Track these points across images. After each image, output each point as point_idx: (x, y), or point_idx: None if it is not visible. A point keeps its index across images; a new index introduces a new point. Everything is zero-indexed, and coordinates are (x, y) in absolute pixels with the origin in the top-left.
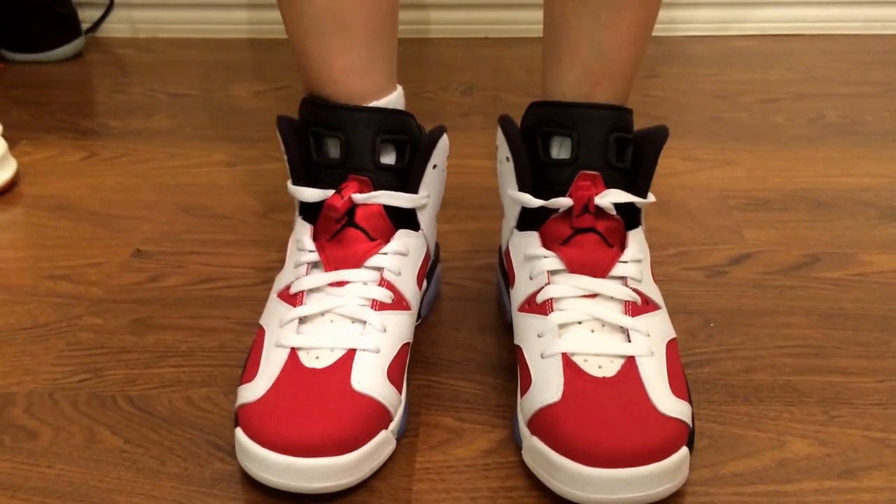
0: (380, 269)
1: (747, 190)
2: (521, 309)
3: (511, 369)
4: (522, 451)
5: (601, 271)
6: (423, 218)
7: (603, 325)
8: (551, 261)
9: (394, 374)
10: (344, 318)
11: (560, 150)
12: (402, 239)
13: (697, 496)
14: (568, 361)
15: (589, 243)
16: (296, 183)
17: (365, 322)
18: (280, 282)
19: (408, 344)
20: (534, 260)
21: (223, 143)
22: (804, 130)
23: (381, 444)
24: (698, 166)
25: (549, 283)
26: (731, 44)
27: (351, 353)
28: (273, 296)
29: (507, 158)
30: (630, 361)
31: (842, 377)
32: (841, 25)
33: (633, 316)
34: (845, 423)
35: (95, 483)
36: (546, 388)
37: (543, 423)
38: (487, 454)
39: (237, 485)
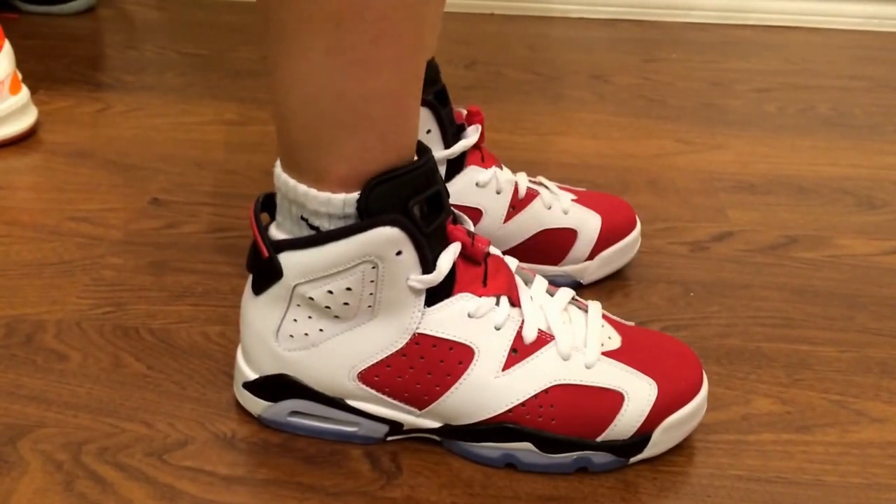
0: None
1: (734, 173)
2: None
3: None
4: None
5: None
6: None
7: None
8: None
9: None
10: None
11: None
12: None
13: None
14: None
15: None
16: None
17: None
18: None
19: None
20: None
21: (233, 103)
22: (794, 120)
23: None
24: (689, 149)
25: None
26: (730, 32)
27: None
28: None
29: (429, 131)
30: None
31: (807, 346)
32: (838, 20)
33: None
34: (806, 386)
35: (122, 402)
36: None
37: None
38: None
39: None
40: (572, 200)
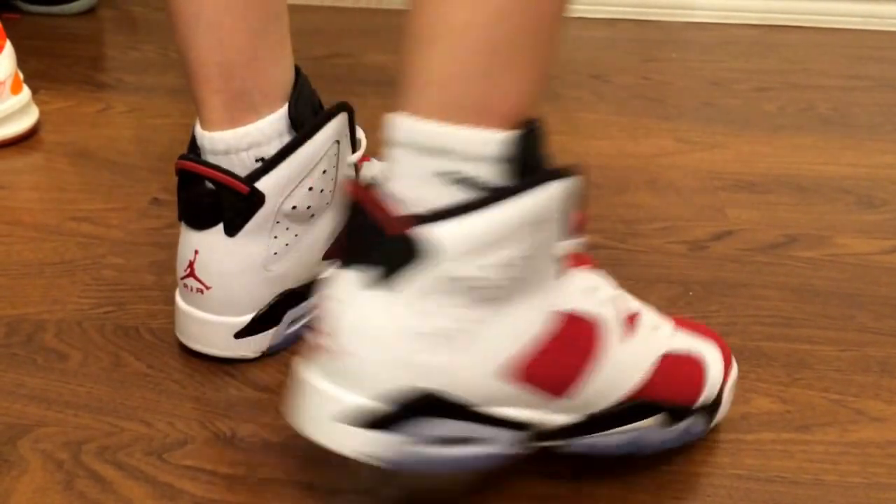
0: None
1: (734, 173)
2: None
3: None
4: None
5: None
6: None
7: None
8: None
9: None
10: None
11: None
12: None
13: None
14: None
15: None
16: None
17: None
18: None
19: None
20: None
21: None
22: (793, 119)
23: None
24: (689, 148)
25: None
26: (729, 32)
27: None
28: None
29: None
30: None
31: (807, 345)
32: (838, 20)
33: None
34: (806, 385)
35: (122, 401)
36: None
37: None
38: None
39: (250, 409)
40: None
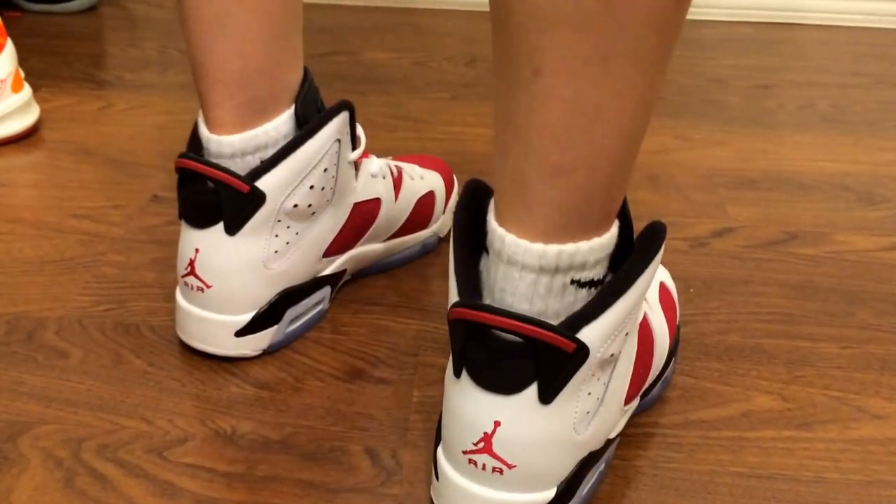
0: None
1: (735, 169)
2: None
3: None
4: None
5: None
6: None
7: None
8: None
9: None
10: None
11: None
12: None
13: (667, 437)
14: None
15: None
16: None
17: None
18: None
19: None
20: (380, 168)
21: None
22: (794, 117)
23: None
24: (690, 145)
25: None
26: (730, 29)
27: None
28: None
29: (338, 140)
30: None
31: (808, 342)
32: (838, 17)
33: None
34: (807, 383)
35: (123, 398)
36: None
37: None
38: None
39: (251, 407)
40: (417, 165)
